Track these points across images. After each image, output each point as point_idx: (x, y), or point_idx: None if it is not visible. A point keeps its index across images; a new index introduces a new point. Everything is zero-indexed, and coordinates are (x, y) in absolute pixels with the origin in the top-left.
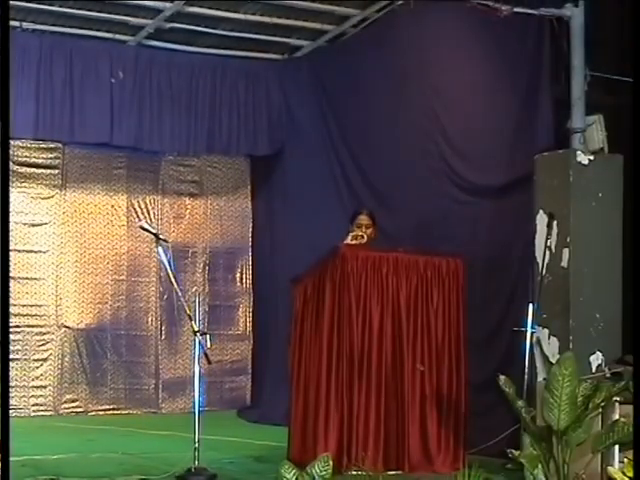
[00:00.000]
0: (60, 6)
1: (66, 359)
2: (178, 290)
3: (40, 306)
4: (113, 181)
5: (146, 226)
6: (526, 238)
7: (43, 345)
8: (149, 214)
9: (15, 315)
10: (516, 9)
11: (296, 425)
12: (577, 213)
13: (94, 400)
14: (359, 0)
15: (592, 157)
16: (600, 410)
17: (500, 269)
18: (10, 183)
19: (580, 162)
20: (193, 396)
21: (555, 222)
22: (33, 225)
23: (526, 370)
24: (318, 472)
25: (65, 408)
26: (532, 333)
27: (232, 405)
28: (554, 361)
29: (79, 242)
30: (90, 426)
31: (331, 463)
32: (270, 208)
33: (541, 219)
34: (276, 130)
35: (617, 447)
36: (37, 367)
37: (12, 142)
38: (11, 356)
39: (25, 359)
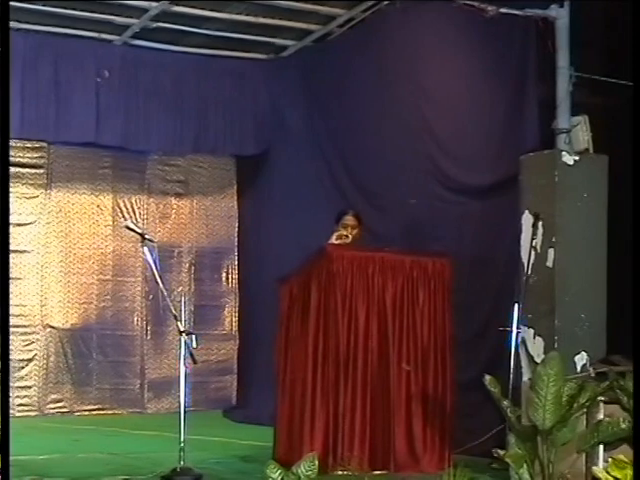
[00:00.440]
0: (45, 5)
1: (51, 359)
2: (164, 290)
3: (25, 306)
4: (99, 180)
5: (132, 226)
6: (512, 238)
7: (28, 345)
8: (135, 214)
9: None
10: (502, 9)
11: (282, 425)
12: (562, 213)
13: (79, 400)
14: (345, 0)
15: (577, 157)
16: (585, 410)
17: (487, 269)
18: None
19: (565, 162)
20: (179, 396)
21: (540, 222)
22: (18, 225)
23: (511, 370)
24: (304, 472)
25: (50, 408)
26: (518, 333)
27: (218, 405)
28: (539, 361)
29: (64, 242)
30: (76, 426)
31: (317, 463)
32: (256, 208)
33: (527, 219)
34: (263, 130)
35: (602, 447)
36: (22, 367)
37: None
38: None
39: (10, 359)
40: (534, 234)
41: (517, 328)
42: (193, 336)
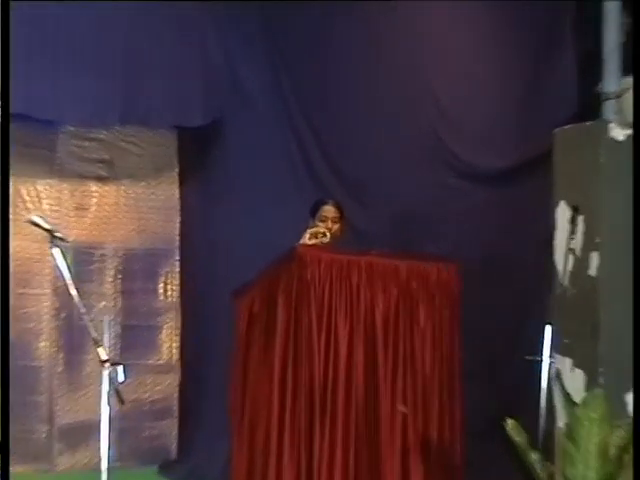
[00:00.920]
0: None
1: None
2: (80, 306)
3: None
4: None
5: (38, 220)
6: (542, 238)
7: None
8: (41, 204)
9: None
10: None
11: None
12: (609, 206)
13: None
14: None
15: (629, 131)
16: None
17: (507, 279)
18: None
19: (614, 138)
20: (99, 448)
21: (581, 217)
22: None
23: (542, 412)
24: None
25: None
26: (550, 363)
27: (152, 459)
28: (578, 401)
29: None
30: None
31: None
32: (205, 197)
33: (562, 213)
34: (213, 95)
35: None
36: None
37: None
38: None
39: None
40: (572, 233)
41: (549, 357)
42: (120, 367)
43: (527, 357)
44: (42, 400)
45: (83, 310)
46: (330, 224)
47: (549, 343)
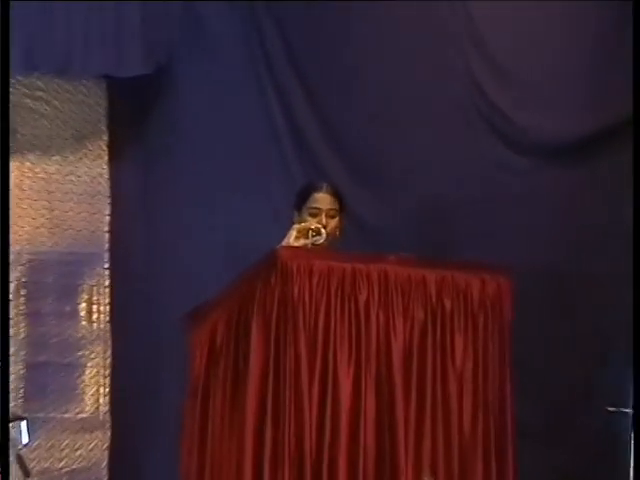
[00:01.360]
0: None
1: None
2: None
3: None
4: None
5: None
6: (624, 237)
7: None
8: None
9: None
10: None
11: None
12: None
13: None
14: None
15: None
16: None
17: (579, 297)
18: None
19: None
20: None
21: None
22: None
23: None
24: None
25: None
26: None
27: None
28: None
29: None
30: None
31: None
32: (147, 179)
33: None
34: (158, 34)
35: None
36: None
37: None
38: None
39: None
40: None
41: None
42: (23, 424)
43: (609, 408)
44: None
45: None
46: (324, 219)
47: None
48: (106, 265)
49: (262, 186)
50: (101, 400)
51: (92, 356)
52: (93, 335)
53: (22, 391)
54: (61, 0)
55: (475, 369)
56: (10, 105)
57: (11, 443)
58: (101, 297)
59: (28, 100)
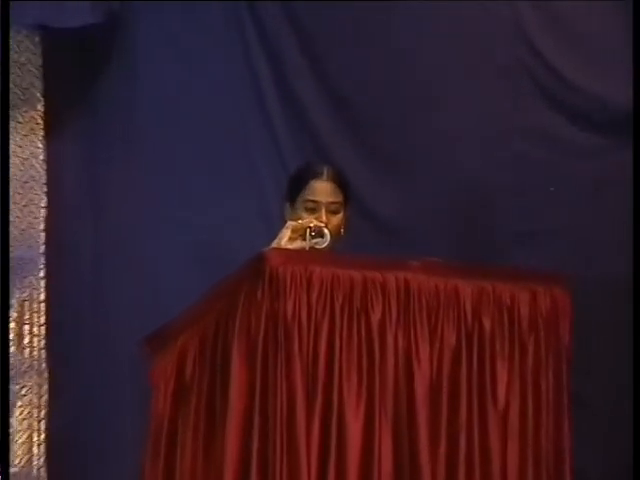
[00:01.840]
0: None
1: None
2: None
3: None
4: None
5: None
6: None
7: None
8: None
9: None
10: None
11: None
12: None
13: None
14: None
15: None
16: None
17: None
18: None
19: None
20: None
21: None
22: None
23: None
24: None
25: None
26: None
27: None
28: None
29: None
30: None
31: None
32: (95, 160)
33: None
34: None
35: None
36: None
37: None
38: None
39: None
40: None
41: None
42: None
43: None
44: None
45: None
46: (325, 215)
47: None
48: (41, 273)
49: (245, 171)
50: (35, 450)
51: (23, 392)
52: (24, 365)
53: None
54: None
55: (523, 409)
56: None
57: None
58: (35, 315)
59: None
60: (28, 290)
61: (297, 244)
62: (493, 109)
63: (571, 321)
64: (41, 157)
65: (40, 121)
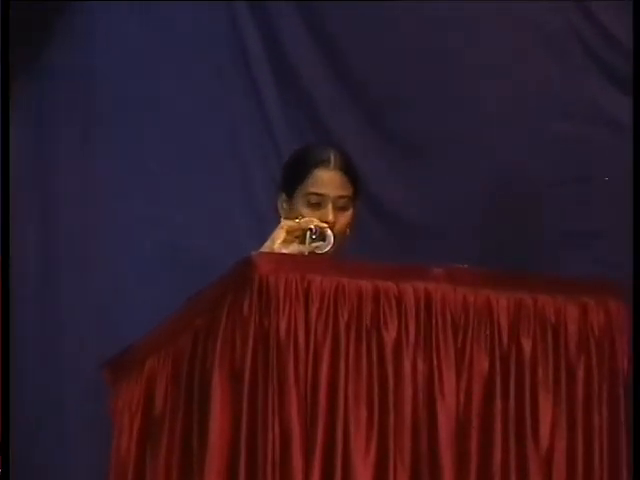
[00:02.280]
0: None
1: None
2: None
3: None
4: None
5: None
6: None
7: None
8: None
9: None
10: None
11: None
12: None
13: None
14: None
15: None
16: None
17: None
18: None
19: None
20: None
21: None
22: None
23: None
24: None
25: None
26: None
27: None
28: None
29: None
30: None
31: None
32: (44, 142)
33: None
34: None
35: None
36: None
37: None
38: None
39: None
40: None
41: None
42: None
43: None
44: None
45: None
46: (331, 212)
47: None
48: None
49: (228, 156)
50: None
51: None
52: None
53: None
54: None
55: (571, 451)
56: None
57: None
58: None
59: None
60: None
61: (293, 248)
62: (535, 82)
63: (629, 340)
64: None
65: None
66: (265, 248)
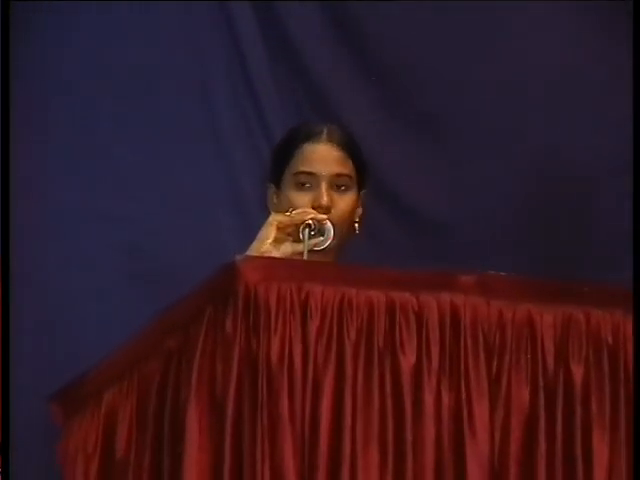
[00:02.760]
0: None
1: None
2: None
3: None
4: None
5: None
6: None
7: None
8: None
9: None
10: None
11: None
12: None
13: None
14: None
15: None
16: None
17: None
18: None
19: None
20: None
21: None
22: None
23: None
24: None
25: None
26: None
27: None
28: None
29: None
30: None
31: None
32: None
33: None
34: None
35: None
36: None
37: None
38: None
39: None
40: None
41: None
42: None
43: None
44: None
45: None
46: (326, 194)
47: None
48: None
49: (208, 140)
50: None
51: None
52: None
53: None
54: None
55: None
56: None
57: None
58: None
59: None
60: None
61: (286, 248)
62: (577, 55)
63: None
64: None
65: None
66: (252, 250)
